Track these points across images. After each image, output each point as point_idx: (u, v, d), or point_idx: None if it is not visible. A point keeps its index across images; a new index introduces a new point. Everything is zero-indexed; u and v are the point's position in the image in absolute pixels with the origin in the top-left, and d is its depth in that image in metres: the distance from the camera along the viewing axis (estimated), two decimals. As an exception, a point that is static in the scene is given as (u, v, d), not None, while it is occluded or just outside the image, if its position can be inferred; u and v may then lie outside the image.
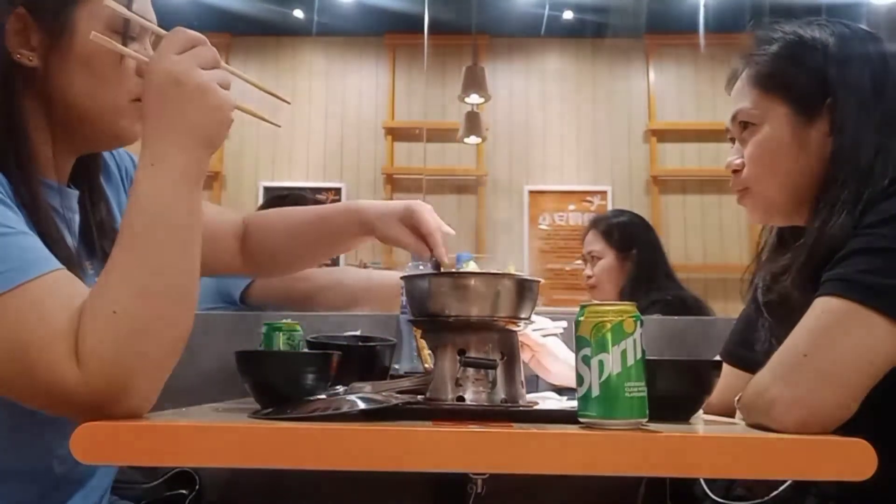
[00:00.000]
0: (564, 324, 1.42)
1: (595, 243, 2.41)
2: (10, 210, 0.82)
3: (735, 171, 1.13)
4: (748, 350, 1.21)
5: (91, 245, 1.01)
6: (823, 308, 0.87)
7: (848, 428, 0.83)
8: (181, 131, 0.83)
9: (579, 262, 2.53)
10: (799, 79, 1.06)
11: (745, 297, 1.23)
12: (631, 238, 2.36)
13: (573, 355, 1.36)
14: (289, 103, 1.05)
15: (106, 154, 1.10)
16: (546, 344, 1.38)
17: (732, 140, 1.15)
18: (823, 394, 0.83)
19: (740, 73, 1.12)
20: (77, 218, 1.00)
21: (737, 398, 0.97)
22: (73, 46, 0.91)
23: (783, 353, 0.88)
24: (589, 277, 2.42)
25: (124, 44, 0.92)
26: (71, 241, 0.95)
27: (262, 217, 1.32)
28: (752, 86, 1.09)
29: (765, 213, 1.13)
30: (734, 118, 1.12)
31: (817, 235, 0.99)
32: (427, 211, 1.19)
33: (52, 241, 0.86)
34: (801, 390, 0.83)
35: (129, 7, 0.93)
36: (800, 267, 1.00)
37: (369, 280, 2.01)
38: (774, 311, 1.07)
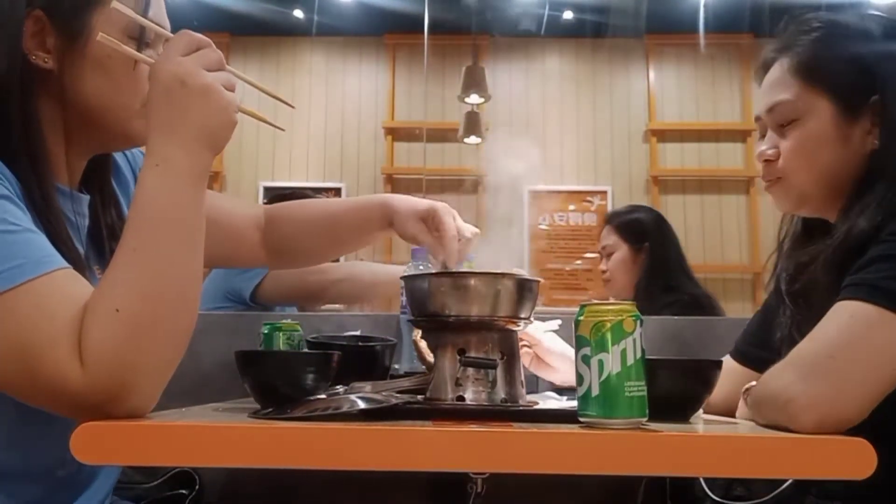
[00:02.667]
0: (559, 321, 1.42)
1: (609, 238, 2.44)
2: (18, 208, 0.82)
3: (767, 161, 1.10)
4: (762, 349, 1.19)
5: (101, 249, 1.01)
6: (848, 311, 0.86)
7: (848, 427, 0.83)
8: (186, 132, 0.83)
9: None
10: (843, 71, 1.04)
11: (767, 289, 1.22)
12: (643, 232, 2.38)
13: (571, 349, 1.36)
14: (293, 107, 1.05)
15: (118, 156, 1.10)
16: (543, 339, 1.38)
17: (763, 129, 1.12)
18: (845, 396, 0.82)
19: (774, 62, 1.10)
20: (86, 222, 1.00)
21: (743, 390, 0.97)
22: (88, 49, 0.92)
23: (805, 352, 0.87)
24: (604, 272, 2.45)
25: (139, 50, 0.93)
26: (80, 244, 0.96)
27: (289, 208, 1.31)
28: (794, 76, 1.07)
29: (795, 204, 1.11)
30: (771, 109, 1.09)
31: (848, 229, 0.98)
32: (448, 214, 1.19)
33: (61, 243, 0.87)
34: (823, 391, 0.82)
35: (144, 13, 0.93)
36: (827, 258, 0.99)
37: (376, 274, 2.01)
38: (798, 302, 1.07)
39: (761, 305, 1.27)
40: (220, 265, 1.24)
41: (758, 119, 1.13)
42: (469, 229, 1.20)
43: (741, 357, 1.24)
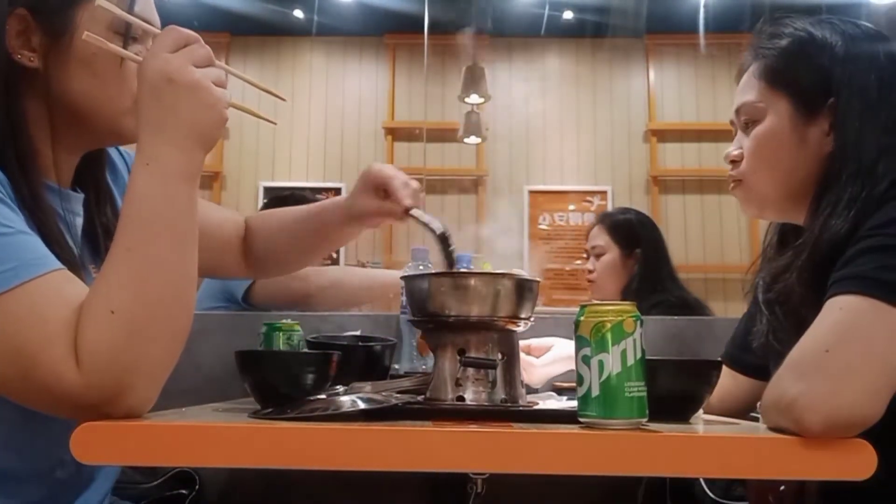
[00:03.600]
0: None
1: (599, 238, 2.40)
2: (10, 210, 0.82)
3: (733, 161, 1.13)
4: (749, 354, 1.20)
5: (96, 247, 1.00)
6: (842, 305, 0.84)
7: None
8: (175, 130, 0.83)
9: (579, 262, 2.53)
10: (804, 76, 1.06)
11: (747, 298, 1.23)
12: (636, 236, 2.36)
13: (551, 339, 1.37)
14: (284, 100, 1.05)
15: (114, 154, 1.10)
16: (531, 341, 1.40)
17: (735, 132, 1.15)
18: (848, 390, 0.78)
19: (748, 66, 1.12)
20: (80, 221, 1.00)
21: (758, 404, 0.96)
22: (73, 47, 0.91)
23: (801, 350, 0.84)
24: (590, 272, 2.42)
25: (125, 45, 0.92)
26: (72, 243, 0.95)
27: (261, 218, 1.32)
28: (758, 79, 1.09)
29: (757, 206, 1.13)
30: (738, 110, 1.12)
31: (819, 232, 0.98)
32: (381, 165, 1.21)
33: (54, 243, 0.86)
34: (824, 387, 0.78)
35: (130, 9, 0.93)
36: (802, 263, 1.00)
37: (370, 279, 2.00)
38: (774, 309, 1.07)
39: (745, 312, 1.28)
40: (205, 275, 1.24)
41: (731, 123, 1.16)
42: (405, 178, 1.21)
43: (729, 360, 1.25)
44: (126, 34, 0.93)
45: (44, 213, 0.89)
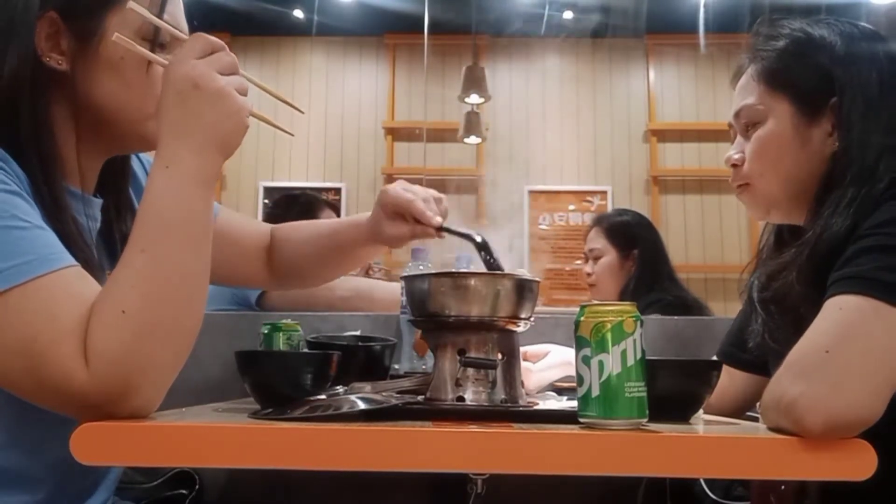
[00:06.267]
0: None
1: (596, 241, 2.41)
2: (28, 205, 0.82)
3: (735, 166, 1.12)
4: (742, 350, 1.21)
5: (113, 253, 1.01)
6: (841, 305, 0.84)
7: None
8: (197, 135, 0.83)
9: (579, 262, 2.54)
10: (804, 77, 1.06)
11: (741, 297, 1.23)
12: (633, 237, 2.36)
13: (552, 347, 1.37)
14: (303, 113, 1.06)
15: (135, 163, 1.10)
16: (528, 349, 1.40)
17: (734, 135, 1.14)
18: (849, 391, 0.77)
19: (745, 69, 1.12)
20: (98, 226, 1.00)
21: (758, 405, 0.96)
22: (102, 51, 0.92)
23: (801, 351, 0.83)
24: (589, 275, 2.42)
25: (153, 51, 0.92)
26: (89, 244, 0.95)
27: (287, 230, 1.31)
28: (758, 81, 1.09)
29: (764, 209, 1.13)
30: (738, 114, 1.11)
31: (821, 231, 0.98)
32: (397, 188, 1.17)
33: (70, 242, 0.87)
34: (824, 388, 0.77)
35: (159, 15, 0.93)
36: (803, 262, 0.99)
37: (393, 293, 1.98)
38: (770, 308, 1.07)
39: (740, 310, 1.28)
40: (223, 282, 1.24)
41: (730, 126, 1.15)
42: (425, 191, 1.18)
43: (725, 357, 1.26)
44: (154, 40, 0.94)
45: (62, 213, 0.89)
